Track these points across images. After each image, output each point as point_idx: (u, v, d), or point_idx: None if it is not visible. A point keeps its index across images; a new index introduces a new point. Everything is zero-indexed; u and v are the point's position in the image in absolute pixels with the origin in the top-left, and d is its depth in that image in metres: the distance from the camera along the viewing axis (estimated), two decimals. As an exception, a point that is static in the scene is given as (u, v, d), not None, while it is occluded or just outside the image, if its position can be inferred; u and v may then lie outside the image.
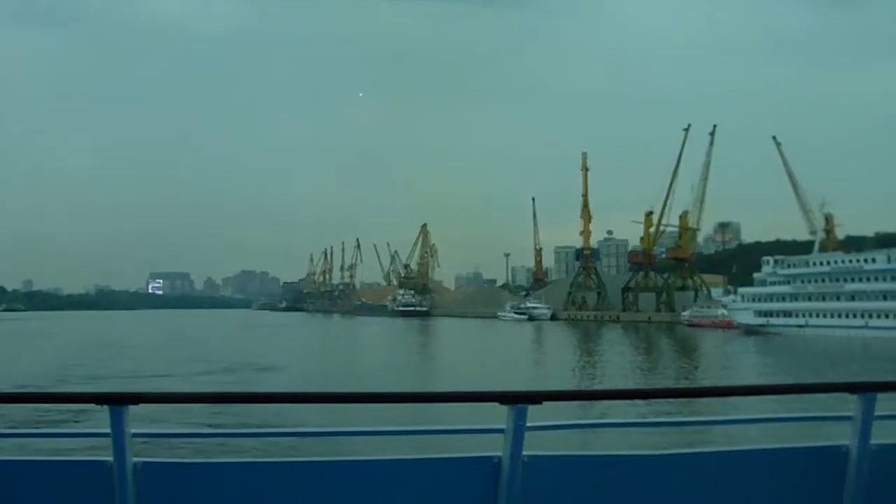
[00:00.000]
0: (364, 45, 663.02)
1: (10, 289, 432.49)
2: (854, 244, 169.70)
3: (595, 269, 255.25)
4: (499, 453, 6.88)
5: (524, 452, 6.85)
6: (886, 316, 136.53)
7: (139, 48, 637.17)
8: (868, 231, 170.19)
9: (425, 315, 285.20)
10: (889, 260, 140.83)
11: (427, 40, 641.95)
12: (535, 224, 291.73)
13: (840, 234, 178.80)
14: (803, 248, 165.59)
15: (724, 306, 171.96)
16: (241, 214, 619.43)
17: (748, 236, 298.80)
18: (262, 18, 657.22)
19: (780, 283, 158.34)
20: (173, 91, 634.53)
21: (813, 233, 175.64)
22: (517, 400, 6.80)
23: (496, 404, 6.81)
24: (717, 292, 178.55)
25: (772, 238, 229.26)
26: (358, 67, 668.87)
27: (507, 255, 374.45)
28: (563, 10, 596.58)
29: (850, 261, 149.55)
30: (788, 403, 10.18)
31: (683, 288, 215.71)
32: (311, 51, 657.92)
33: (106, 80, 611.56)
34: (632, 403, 22.31)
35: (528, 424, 6.80)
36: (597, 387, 60.85)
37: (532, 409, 6.74)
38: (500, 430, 6.84)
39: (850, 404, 7.29)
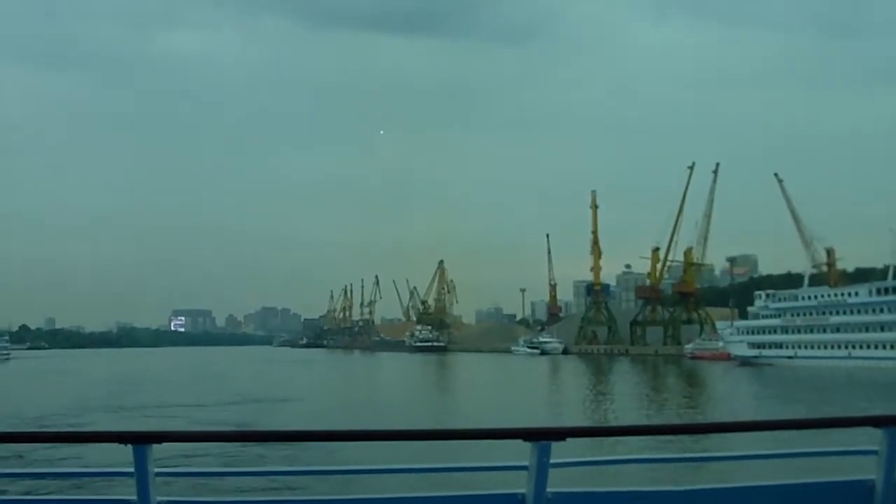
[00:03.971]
0: (381, 81, 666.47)
1: (33, 327, 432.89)
2: (861, 276, 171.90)
3: (605, 303, 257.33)
4: (523, 490, 6.91)
5: (548, 489, 6.89)
6: (868, 346, 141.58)
7: (158, 88, 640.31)
8: (879, 263, 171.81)
9: (442, 350, 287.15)
10: (870, 293, 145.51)
11: (441, 76, 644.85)
12: (550, 260, 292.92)
13: (849, 266, 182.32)
14: (811, 280, 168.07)
15: (722, 339, 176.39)
16: (262, 252, 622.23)
17: (765, 269, 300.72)
18: (282, 55, 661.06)
19: (771, 316, 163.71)
20: (194, 128, 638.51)
21: (815, 266, 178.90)
22: (541, 436, 6.82)
23: (519, 441, 6.88)
24: (723, 325, 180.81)
25: (783, 271, 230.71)
26: (375, 104, 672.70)
27: (522, 291, 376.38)
28: (571, 44, 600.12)
29: (835, 294, 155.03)
30: (808, 438, 10.13)
31: (689, 321, 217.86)
32: (329, 87, 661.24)
33: (127, 118, 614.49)
34: (651, 439, 22.00)
35: (552, 461, 6.85)
36: (612, 422, 60.41)
37: (554, 446, 6.83)
38: (524, 467, 6.88)
39: (872, 438, 7.38)
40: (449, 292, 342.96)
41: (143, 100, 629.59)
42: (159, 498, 6.59)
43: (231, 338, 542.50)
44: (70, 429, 47.31)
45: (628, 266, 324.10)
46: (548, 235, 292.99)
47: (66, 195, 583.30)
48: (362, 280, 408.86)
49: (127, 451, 6.47)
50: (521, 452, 6.80)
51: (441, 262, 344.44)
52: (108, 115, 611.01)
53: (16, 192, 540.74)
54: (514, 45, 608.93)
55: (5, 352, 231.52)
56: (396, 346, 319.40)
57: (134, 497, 6.55)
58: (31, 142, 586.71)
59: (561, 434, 6.89)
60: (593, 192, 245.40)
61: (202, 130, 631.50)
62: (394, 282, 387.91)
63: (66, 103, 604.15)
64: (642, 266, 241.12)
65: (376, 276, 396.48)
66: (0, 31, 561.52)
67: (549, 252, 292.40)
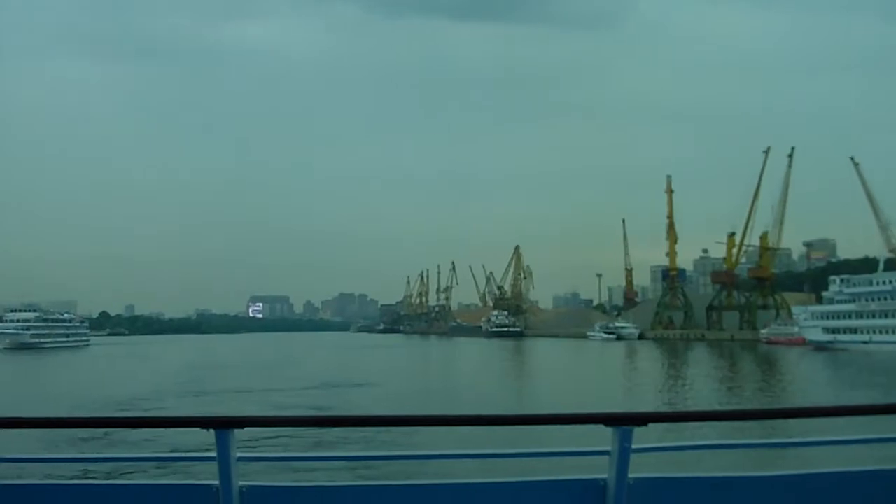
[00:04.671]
0: (451, 68, 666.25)
1: (113, 314, 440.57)
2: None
3: (682, 288, 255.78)
4: (604, 475, 6.86)
5: (629, 475, 6.81)
6: None
7: (231, 75, 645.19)
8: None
9: (518, 335, 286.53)
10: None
11: (510, 63, 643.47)
12: (626, 245, 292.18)
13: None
14: (887, 265, 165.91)
15: (797, 324, 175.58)
16: (339, 238, 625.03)
17: (844, 253, 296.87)
18: (348, 44, 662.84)
19: (845, 301, 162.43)
20: (265, 118, 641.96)
21: (892, 251, 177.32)
22: (623, 422, 6.73)
23: (600, 427, 6.75)
24: (799, 310, 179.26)
25: (861, 255, 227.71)
26: (446, 91, 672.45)
27: (599, 276, 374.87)
28: (642, 30, 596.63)
29: None
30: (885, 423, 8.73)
31: (765, 306, 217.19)
32: (400, 75, 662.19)
33: (201, 107, 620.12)
34: (730, 424, 20.98)
35: (633, 447, 6.76)
36: (691, 407, 59.46)
37: (636, 431, 6.73)
38: (605, 453, 6.80)
39: None
40: (525, 278, 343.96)
41: (217, 91, 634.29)
42: (241, 482, 6.67)
43: (308, 324, 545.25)
44: (153, 414, 47.94)
45: (705, 251, 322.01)
46: (623, 220, 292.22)
47: (145, 186, 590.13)
48: (438, 266, 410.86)
49: (209, 435, 6.47)
50: (602, 438, 6.73)
51: (517, 247, 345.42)
52: (182, 107, 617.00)
53: (94, 183, 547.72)
54: (585, 31, 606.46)
55: (84, 338, 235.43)
56: (473, 331, 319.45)
57: (216, 481, 6.61)
58: (107, 134, 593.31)
59: (642, 419, 6.74)
60: (668, 176, 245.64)
61: (273, 120, 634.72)
62: (470, 267, 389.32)
63: (142, 96, 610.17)
64: (719, 251, 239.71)
65: (452, 262, 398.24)
66: (71, 27, 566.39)
67: (624, 237, 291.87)
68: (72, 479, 7.69)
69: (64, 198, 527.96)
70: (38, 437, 27.08)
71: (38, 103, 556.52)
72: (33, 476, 7.82)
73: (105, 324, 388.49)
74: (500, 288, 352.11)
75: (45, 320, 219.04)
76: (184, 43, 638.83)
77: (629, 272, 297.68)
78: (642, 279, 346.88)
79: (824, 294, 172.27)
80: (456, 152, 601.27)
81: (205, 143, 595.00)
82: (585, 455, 6.95)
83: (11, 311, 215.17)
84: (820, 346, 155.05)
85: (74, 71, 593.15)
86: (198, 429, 6.58)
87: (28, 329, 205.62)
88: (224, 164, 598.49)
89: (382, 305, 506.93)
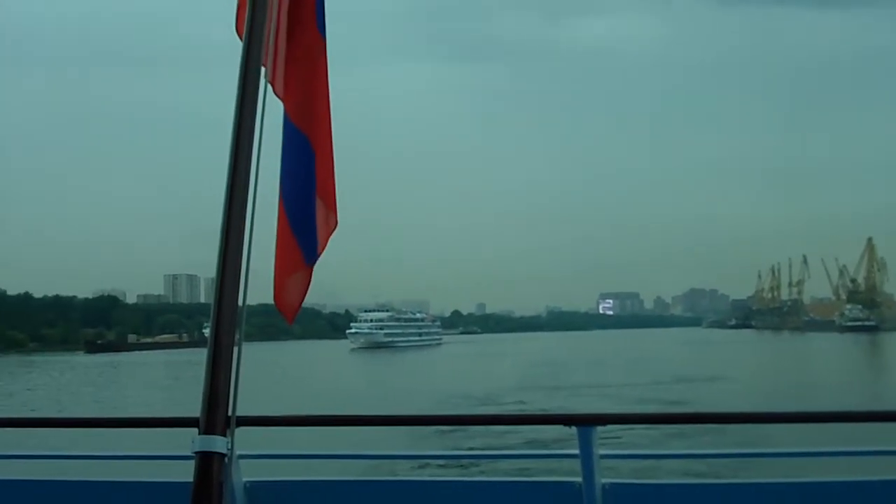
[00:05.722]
0: (786, 57, 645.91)
1: (465, 312, 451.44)
2: None
3: None
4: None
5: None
6: None
7: (568, 76, 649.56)
8: None
9: (873, 329, 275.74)
10: None
11: (851, 50, 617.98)
12: None
13: None
14: None
15: None
16: (685, 232, 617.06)
17: None
18: (683, 37, 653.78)
19: None
20: (600, 113, 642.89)
21: None
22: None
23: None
24: None
25: None
26: (779, 79, 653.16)
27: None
28: None
29: None
30: None
31: None
32: (731, 64, 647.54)
33: (535, 107, 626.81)
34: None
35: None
36: None
37: None
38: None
39: None
40: (879, 270, 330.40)
41: (552, 88, 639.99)
42: (604, 480, 6.62)
43: (658, 320, 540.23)
44: (511, 410, 49.34)
45: None
46: None
47: (491, 183, 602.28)
48: (790, 259, 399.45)
49: (570, 432, 6.52)
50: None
51: (870, 238, 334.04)
52: (518, 104, 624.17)
53: (443, 189, 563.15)
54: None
55: (437, 336, 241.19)
56: (825, 326, 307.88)
57: (579, 479, 6.60)
58: (447, 134, 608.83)
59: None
60: None
61: (607, 115, 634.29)
62: (822, 260, 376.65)
63: (478, 96, 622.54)
64: None
65: (804, 256, 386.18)
66: (410, 31, 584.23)
67: None
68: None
69: (419, 202, 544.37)
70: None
71: (387, 109, 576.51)
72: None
73: (457, 322, 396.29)
74: (853, 281, 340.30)
75: (398, 320, 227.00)
76: (520, 42, 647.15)
77: None
78: None
79: None
80: (792, 139, 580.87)
81: (547, 140, 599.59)
82: (554, 458, 7.15)
83: (366, 312, 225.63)
84: None
85: (417, 74, 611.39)
86: (559, 426, 6.84)
87: (382, 328, 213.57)
88: (570, 161, 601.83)
89: (734, 300, 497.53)
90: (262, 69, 5.92)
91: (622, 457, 7.49)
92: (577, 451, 6.58)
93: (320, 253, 6.61)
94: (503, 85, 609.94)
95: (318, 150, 6.47)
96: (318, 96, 6.52)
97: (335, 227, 6.69)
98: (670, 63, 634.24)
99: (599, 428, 6.59)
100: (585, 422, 6.58)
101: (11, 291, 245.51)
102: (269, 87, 6.05)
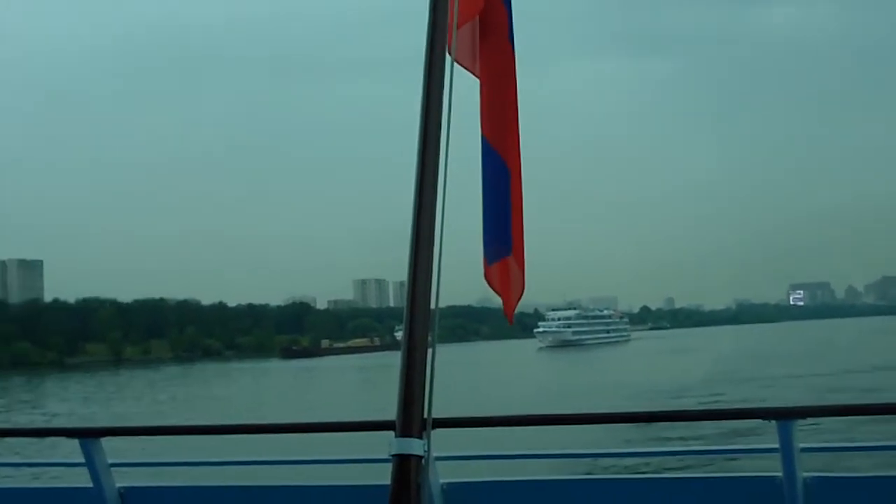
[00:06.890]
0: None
1: (653, 308, 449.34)
2: None
3: None
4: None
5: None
6: None
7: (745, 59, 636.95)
8: None
9: None
10: None
11: None
12: None
13: None
14: None
15: None
16: (880, 215, 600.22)
17: None
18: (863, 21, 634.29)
19: None
20: (773, 102, 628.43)
21: None
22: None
23: None
24: None
25: None
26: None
27: None
28: None
29: None
30: None
31: None
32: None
33: (712, 97, 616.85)
34: None
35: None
36: None
37: None
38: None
39: None
40: None
41: (739, 80, 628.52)
42: (805, 474, 6.54)
43: (850, 309, 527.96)
44: (706, 406, 48.74)
45: None
46: None
47: (676, 175, 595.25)
48: None
49: (769, 426, 6.45)
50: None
51: None
52: (697, 96, 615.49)
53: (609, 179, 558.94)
54: None
55: (625, 333, 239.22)
56: None
57: (779, 473, 6.54)
58: (628, 130, 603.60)
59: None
60: None
61: (786, 100, 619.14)
62: None
63: (661, 89, 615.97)
64: None
65: None
66: (607, 26, 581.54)
67: None
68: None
69: (604, 199, 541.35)
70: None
71: (568, 105, 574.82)
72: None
73: (646, 318, 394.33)
74: None
75: (586, 317, 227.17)
76: (703, 33, 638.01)
77: None
78: None
79: None
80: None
81: (725, 130, 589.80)
82: (756, 453, 7.03)
83: (553, 310, 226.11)
84: None
85: (600, 69, 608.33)
86: (758, 420, 6.88)
87: (569, 326, 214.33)
88: (751, 149, 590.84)
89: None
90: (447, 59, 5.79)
91: (824, 450, 7.29)
92: (776, 446, 6.49)
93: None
94: (689, 77, 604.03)
95: (511, 168, 6.29)
96: (509, 107, 6.33)
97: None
98: (848, 45, 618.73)
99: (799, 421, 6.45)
100: (785, 415, 6.46)
101: (206, 301, 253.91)
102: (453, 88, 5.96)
